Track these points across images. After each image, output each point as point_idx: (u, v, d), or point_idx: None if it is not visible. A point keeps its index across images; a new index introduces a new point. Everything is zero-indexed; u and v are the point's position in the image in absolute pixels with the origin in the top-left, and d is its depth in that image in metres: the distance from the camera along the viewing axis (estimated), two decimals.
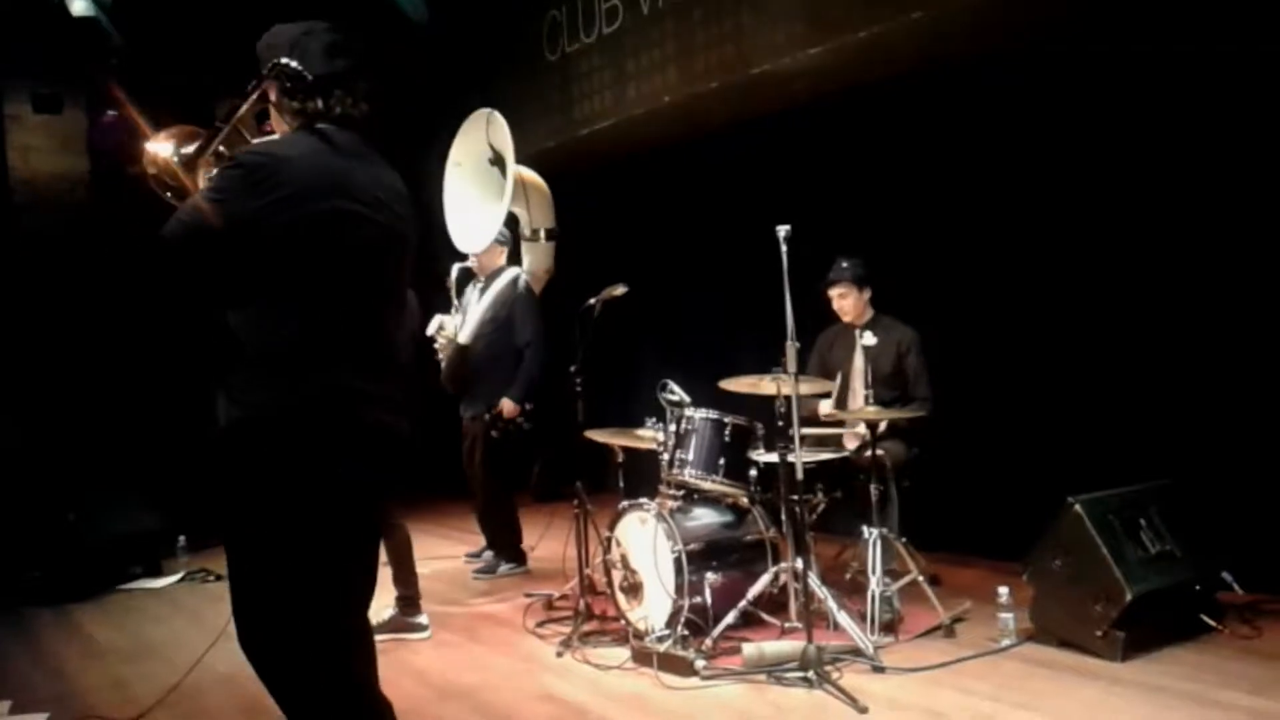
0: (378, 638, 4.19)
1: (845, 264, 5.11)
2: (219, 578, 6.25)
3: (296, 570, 2.22)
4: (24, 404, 7.39)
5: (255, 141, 2.43)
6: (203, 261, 2.27)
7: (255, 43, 2.52)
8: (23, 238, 7.79)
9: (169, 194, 2.39)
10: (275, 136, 2.47)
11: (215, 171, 2.32)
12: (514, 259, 6.18)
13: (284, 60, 2.40)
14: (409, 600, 4.81)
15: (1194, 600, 4.09)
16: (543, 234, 6.26)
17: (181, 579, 6.38)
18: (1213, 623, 4.08)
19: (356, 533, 2.33)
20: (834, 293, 5.15)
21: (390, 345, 2.44)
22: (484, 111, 5.98)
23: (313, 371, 2.24)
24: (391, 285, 2.46)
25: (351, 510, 2.28)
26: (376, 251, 2.39)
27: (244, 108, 2.44)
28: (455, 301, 5.99)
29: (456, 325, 5.87)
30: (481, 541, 6.38)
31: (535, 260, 6.28)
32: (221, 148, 2.39)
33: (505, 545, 6.10)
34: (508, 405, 5.76)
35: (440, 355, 5.89)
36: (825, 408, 5.00)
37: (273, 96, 2.46)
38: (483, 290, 5.93)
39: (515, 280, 5.94)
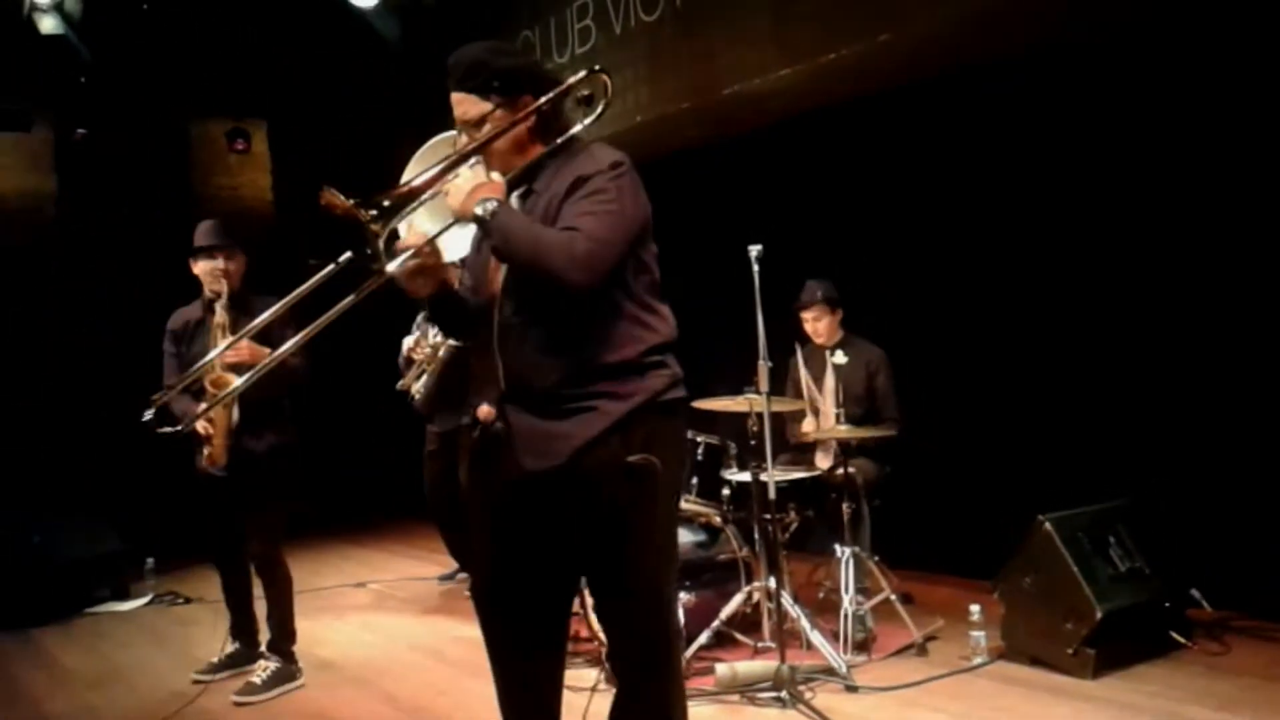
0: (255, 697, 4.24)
1: (817, 286, 5.12)
2: (187, 600, 6.18)
3: (671, 517, 2.52)
4: None
5: (610, 149, 2.47)
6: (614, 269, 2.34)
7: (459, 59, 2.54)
8: None
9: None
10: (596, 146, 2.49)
11: (601, 181, 2.37)
12: None
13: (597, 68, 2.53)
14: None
15: (1163, 617, 4.12)
16: None
17: (149, 602, 6.29)
18: (1182, 640, 4.11)
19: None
20: (807, 315, 5.16)
21: None
22: (449, 135, 5.93)
23: (673, 363, 2.46)
24: None
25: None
26: None
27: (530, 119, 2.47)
28: (420, 317, 5.87)
29: (429, 340, 5.74)
30: (452, 564, 6.32)
31: None
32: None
33: None
34: (484, 409, 5.62)
35: (414, 375, 5.77)
36: (807, 427, 5.03)
37: (532, 109, 2.47)
38: None
39: None
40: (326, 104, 8.70)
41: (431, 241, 2.41)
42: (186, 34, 7.70)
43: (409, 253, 2.37)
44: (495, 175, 2.41)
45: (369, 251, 2.23)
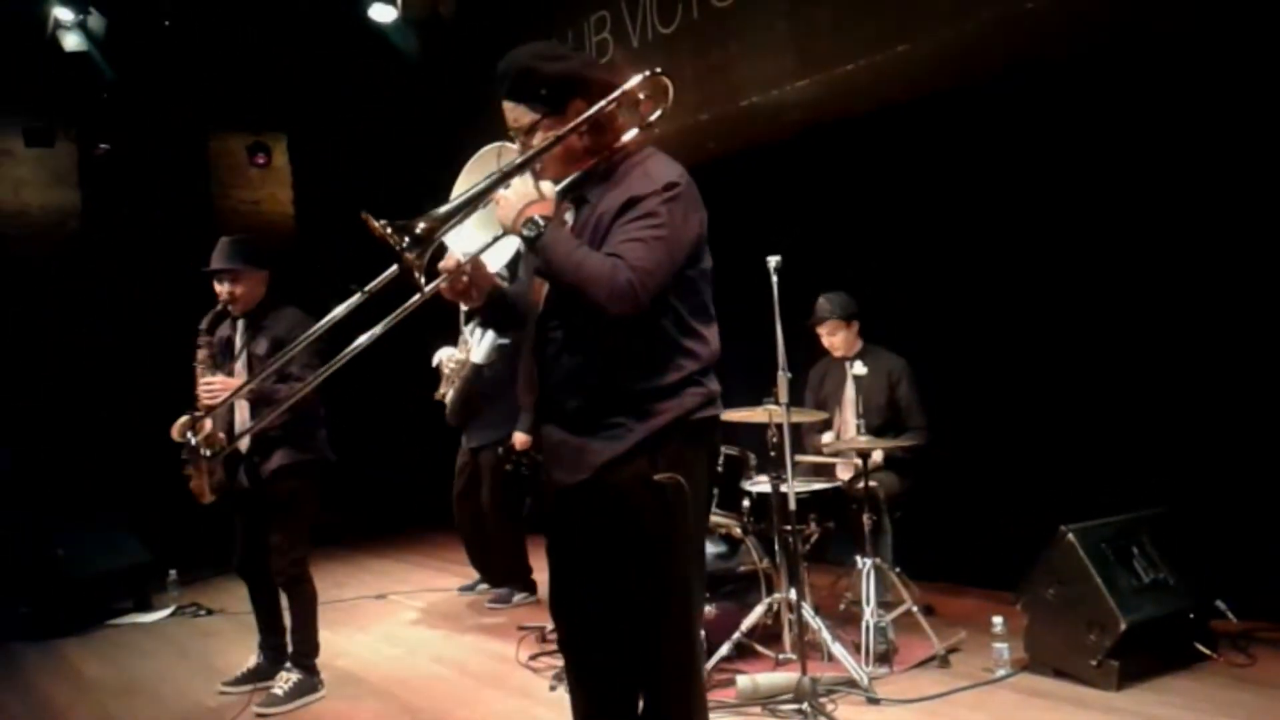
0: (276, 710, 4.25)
1: (829, 301, 5.10)
2: (210, 612, 6.22)
3: (698, 537, 2.47)
4: (13, 436, 7.35)
5: (666, 163, 2.41)
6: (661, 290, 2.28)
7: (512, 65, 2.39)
8: (14, 270, 7.79)
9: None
10: (654, 155, 2.44)
11: (652, 203, 2.28)
12: None
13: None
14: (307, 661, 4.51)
15: (1188, 628, 4.08)
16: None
17: (172, 613, 6.31)
18: (1207, 651, 4.07)
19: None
20: (821, 331, 5.15)
21: None
22: (495, 145, 5.92)
23: (709, 380, 2.43)
24: None
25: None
26: None
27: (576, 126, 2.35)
28: (463, 331, 5.90)
29: (465, 352, 5.76)
30: (474, 575, 6.33)
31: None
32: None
33: (518, 576, 6.01)
34: (520, 438, 5.57)
35: (446, 386, 5.80)
36: (827, 438, 5.01)
37: (584, 119, 2.36)
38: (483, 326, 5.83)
39: None
40: (346, 118, 8.76)
41: (471, 259, 2.37)
42: (207, 50, 7.78)
43: (442, 277, 2.35)
44: (545, 185, 2.33)
45: (406, 268, 2.18)
